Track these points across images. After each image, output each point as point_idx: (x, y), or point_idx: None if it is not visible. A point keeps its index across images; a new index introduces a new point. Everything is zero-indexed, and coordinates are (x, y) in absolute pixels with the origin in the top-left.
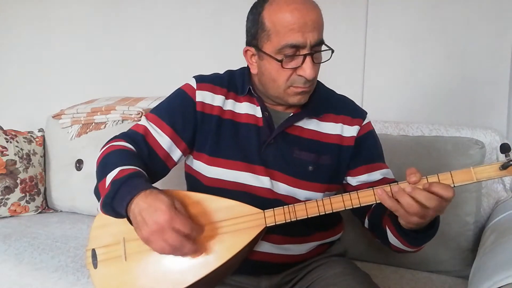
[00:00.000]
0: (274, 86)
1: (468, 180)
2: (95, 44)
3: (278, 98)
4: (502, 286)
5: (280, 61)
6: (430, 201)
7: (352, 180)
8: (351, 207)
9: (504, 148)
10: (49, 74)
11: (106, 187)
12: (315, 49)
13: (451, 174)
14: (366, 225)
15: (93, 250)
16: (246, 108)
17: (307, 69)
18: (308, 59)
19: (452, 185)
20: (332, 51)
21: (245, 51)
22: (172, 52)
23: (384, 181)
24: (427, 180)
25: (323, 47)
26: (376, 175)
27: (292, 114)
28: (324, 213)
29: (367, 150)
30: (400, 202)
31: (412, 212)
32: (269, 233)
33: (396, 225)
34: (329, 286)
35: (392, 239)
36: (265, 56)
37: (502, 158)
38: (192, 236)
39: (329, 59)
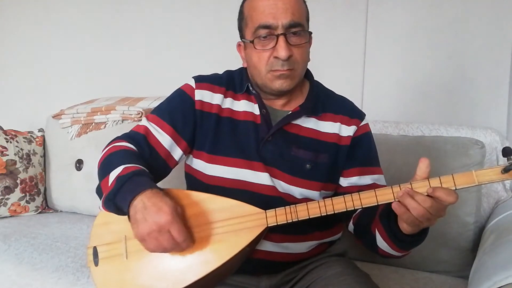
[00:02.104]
0: (257, 73)
1: (470, 183)
2: (95, 44)
3: (263, 86)
4: (502, 286)
5: (252, 42)
6: (431, 206)
7: (344, 181)
8: (353, 208)
9: (506, 152)
10: (49, 74)
11: (110, 183)
12: (290, 30)
13: (453, 177)
14: (349, 228)
15: (95, 248)
16: (244, 106)
17: (279, 49)
18: (280, 39)
19: (454, 188)
20: (310, 33)
21: (238, 46)
22: (172, 52)
23: (373, 187)
24: (429, 182)
25: (304, 32)
26: (367, 180)
27: (290, 112)
28: (325, 214)
29: (362, 151)
30: (406, 206)
31: (420, 215)
32: (269, 231)
33: (387, 229)
34: (329, 286)
35: (382, 243)
36: (247, 44)
37: (502, 158)
38: (183, 246)
39: (307, 42)
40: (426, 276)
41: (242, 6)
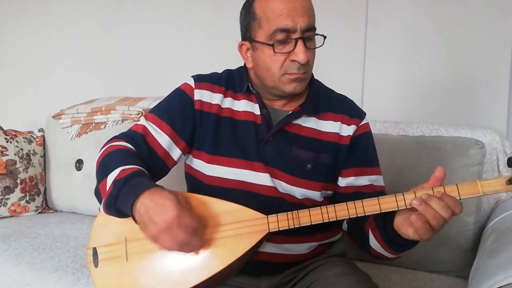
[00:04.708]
0: (269, 75)
1: (474, 194)
2: (95, 44)
3: (274, 88)
4: (502, 286)
5: (272, 45)
6: (447, 212)
7: (342, 181)
8: (355, 216)
9: (511, 162)
10: (49, 74)
11: (108, 188)
12: (307, 34)
13: (457, 187)
14: (344, 227)
15: (94, 249)
16: (244, 106)
17: (299, 53)
18: (299, 43)
19: (458, 198)
20: (324, 37)
21: (240, 46)
22: (172, 52)
23: (370, 188)
24: (433, 191)
25: (316, 36)
26: (363, 181)
27: (290, 112)
28: (328, 221)
29: (360, 151)
30: (424, 214)
31: (436, 222)
32: None
33: (381, 231)
34: (329, 286)
35: (374, 244)
36: (258, 45)
37: (502, 158)
38: (200, 228)
39: (322, 45)
40: (426, 276)
41: (252, 6)
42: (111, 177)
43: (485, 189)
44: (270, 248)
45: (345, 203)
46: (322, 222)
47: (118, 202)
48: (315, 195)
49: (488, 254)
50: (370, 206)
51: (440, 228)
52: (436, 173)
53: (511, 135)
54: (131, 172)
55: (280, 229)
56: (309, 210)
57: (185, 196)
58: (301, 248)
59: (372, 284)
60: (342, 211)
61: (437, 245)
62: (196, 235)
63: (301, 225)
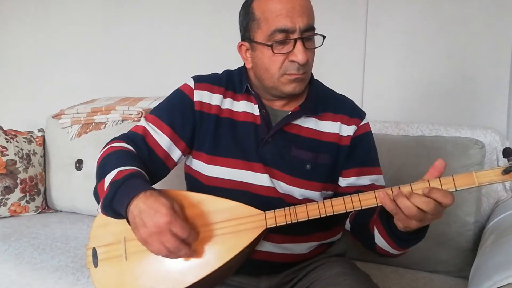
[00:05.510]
0: (268, 76)
1: (470, 184)
2: (95, 44)
3: (273, 89)
4: (502, 286)
5: (270, 46)
6: (428, 206)
7: (343, 182)
8: (352, 210)
9: (507, 153)
10: (49, 74)
11: (105, 189)
12: (306, 34)
13: (453, 178)
14: (346, 226)
15: (94, 249)
16: (244, 106)
17: (298, 54)
18: (298, 43)
19: (454, 189)
20: (324, 37)
21: (239, 46)
22: (172, 52)
23: (371, 187)
24: (428, 183)
25: (316, 37)
26: (365, 180)
27: (290, 112)
28: (325, 215)
29: (361, 152)
30: (398, 205)
31: (411, 216)
32: (269, 232)
33: (386, 227)
34: (329, 286)
35: (380, 241)
36: (257, 46)
37: (502, 158)
38: (189, 240)
39: (321, 45)
40: (426, 276)
41: (250, 6)
42: (109, 178)
43: (481, 180)
44: (270, 247)
45: (341, 197)
46: (319, 216)
47: (114, 203)
48: (315, 195)
49: (488, 254)
50: (367, 200)
51: (418, 219)
52: (435, 163)
53: (511, 135)
54: (128, 173)
55: (277, 224)
56: (306, 205)
57: (183, 201)
58: (301, 248)
59: (372, 284)
60: (339, 205)
61: (437, 245)
62: (185, 245)
63: (298, 221)
